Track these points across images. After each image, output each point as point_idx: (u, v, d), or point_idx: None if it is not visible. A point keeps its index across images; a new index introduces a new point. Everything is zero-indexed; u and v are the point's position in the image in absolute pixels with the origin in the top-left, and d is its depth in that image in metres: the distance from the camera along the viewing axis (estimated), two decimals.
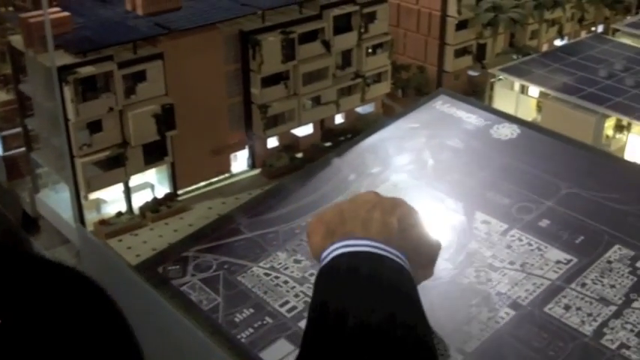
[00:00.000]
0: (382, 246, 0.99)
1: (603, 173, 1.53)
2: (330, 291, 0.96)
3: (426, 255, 1.11)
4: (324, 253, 1.02)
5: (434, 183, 1.60)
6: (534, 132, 1.71)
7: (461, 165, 1.64)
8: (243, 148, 8.44)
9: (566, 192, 1.49)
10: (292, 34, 18.53)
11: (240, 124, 16.90)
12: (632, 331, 1.17)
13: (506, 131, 1.71)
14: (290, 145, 17.43)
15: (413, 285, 0.99)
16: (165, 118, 8.31)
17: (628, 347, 1.15)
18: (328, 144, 17.54)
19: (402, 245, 1.02)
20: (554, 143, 1.66)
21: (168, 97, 14.78)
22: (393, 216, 1.05)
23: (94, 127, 13.45)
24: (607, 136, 13.54)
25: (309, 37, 19.08)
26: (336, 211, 1.08)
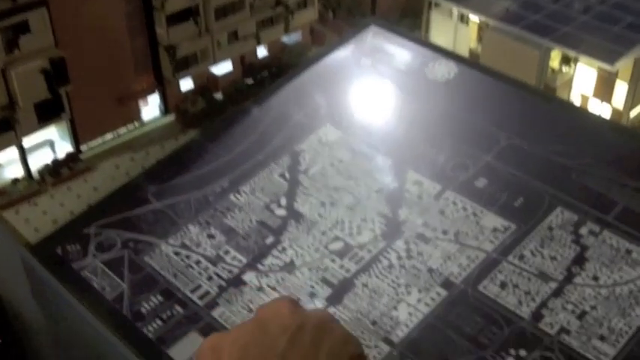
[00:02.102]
0: None
1: (547, 121, 1.44)
2: None
3: None
4: None
5: (363, 136, 1.50)
6: (473, 71, 1.61)
7: (393, 113, 1.54)
8: (154, 92, 7.99)
9: (506, 144, 1.41)
10: None
11: (147, 67, 15.63)
12: (573, 312, 1.11)
13: (443, 70, 1.60)
14: (207, 85, 16.39)
15: None
16: (57, 73, 7.83)
17: (568, 332, 1.08)
18: (250, 81, 16.48)
19: None
20: (494, 84, 1.56)
21: (58, 49, 13.67)
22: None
23: None
24: (553, 70, 13.11)
25: None
26: (238, 351, 0.80)
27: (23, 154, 2.01)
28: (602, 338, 1.07)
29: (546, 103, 1.48)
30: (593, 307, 1.11)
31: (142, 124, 2.32)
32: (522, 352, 1.06)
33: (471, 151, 1.41)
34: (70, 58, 15.30)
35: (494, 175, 1.35)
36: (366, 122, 1.53)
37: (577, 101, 2.64)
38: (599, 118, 1.44)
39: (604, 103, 2.51)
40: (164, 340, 1.21)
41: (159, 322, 1.24)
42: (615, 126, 1.38)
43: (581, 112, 1.49)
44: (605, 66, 12.97)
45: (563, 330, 1.09)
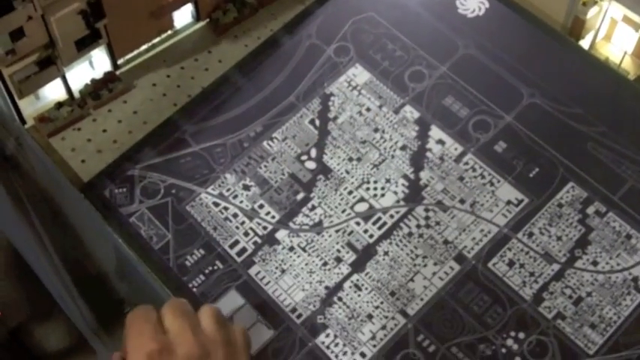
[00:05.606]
0: None
1: (571, 77, 1.50)
2: None
3: None
4: None
5: (391, 79, 1.58)
6: (504, 7, 1.64)
7: (423, 53, 1.61)
8: (187, 3, 7.22)
9: (528, 102, 1.49)
10: None
11: None
12: (570, 297, 1.27)
13: (474, 4, 1.64)
14: None
15: None
16: (93, 11, 7.10)
17: (564, 317, 1.25)
18: None
19: None
20: (524, 26, 1.60)
21: None
22: None
23: (16, 34, 11.77)
24: (584, 3, 11.69)
25: None
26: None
27: (65, 79, 2.07)
28: (592, 326, 1.23)
29: (573, 54, 1.53)
30: (589, 294, 1.26)
31: (175, 32, 2.35)
32: (521, 335, 1.24)
33: (494, 107, 1.50)
34: None
35: (514, 139, 1.45)
36: (395, 62, 1.60)
37: (605, 25, 2.58)
38: (623, 79, 1.49)
39: (631, 29, 2.43)
40: (207, 297, 1.40)
41: (202, 277, 1.42)
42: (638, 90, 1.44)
43: (606, 69, 1.53)
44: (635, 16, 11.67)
45: (560, 315, 1.25)
